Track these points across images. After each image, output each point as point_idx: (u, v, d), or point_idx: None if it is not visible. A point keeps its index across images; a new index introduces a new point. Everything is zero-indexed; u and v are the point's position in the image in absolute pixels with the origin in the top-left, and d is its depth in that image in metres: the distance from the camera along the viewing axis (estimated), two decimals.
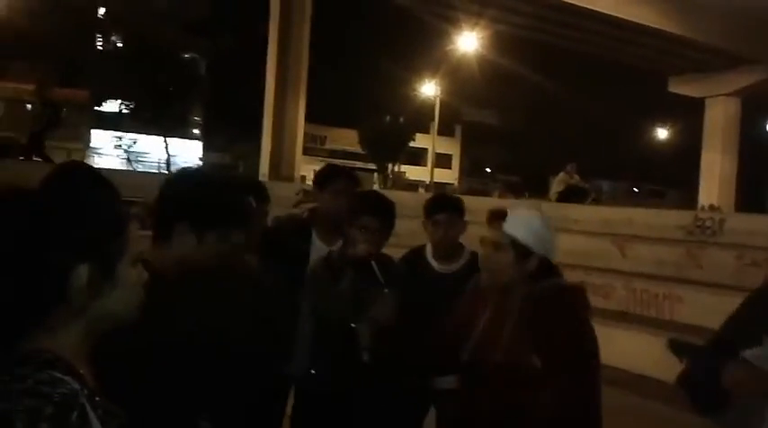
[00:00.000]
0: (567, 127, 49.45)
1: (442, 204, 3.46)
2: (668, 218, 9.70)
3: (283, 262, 2.98)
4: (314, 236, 3.29)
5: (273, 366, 2.86)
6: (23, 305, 1.08)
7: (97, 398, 1.10)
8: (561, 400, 2.07)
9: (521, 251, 2.21)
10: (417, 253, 3.54)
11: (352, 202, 2.97)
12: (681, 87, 32.90)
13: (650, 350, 6.44)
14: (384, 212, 2.85)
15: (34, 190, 1.17)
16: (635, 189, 53.98)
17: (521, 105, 47.47)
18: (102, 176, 2.20)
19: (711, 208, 19.28)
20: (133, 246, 1.23)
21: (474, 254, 3.46)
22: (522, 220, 2.26)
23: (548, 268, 2.28)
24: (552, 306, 2.19)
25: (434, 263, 3.44)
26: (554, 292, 2.24)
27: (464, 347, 2.30)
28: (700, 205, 25.16)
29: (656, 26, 25.93)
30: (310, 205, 3.45)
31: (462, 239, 3.50)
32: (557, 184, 14.98)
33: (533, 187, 28.48)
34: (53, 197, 1.15)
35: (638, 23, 25.67)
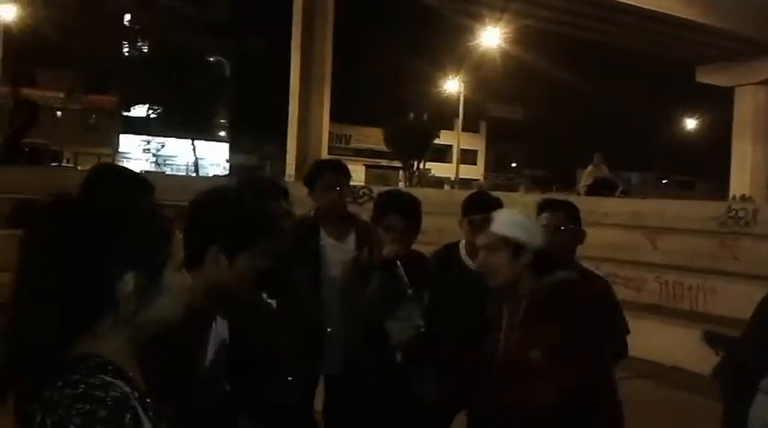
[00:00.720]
0: (594, 120, 48.90)
1: (480, 203, 3.41)
2: (700, 210, 9.55)
3: (297, 263, 2.98)
4: (323, 233, 3.30)
5: (304, 367, 2.88)
6: (72, 311, 1.10)
7: (148, 400, 1.12)
8: (562, 390, 2.09)
9: (512, 247, 2.29)
10: (450, 250, 3.51)
11: (378, 202, 2.97)
12: (709, 77, 32.39)
13: (684, 342, 6.37)
14: (409, 210, 2.81)
15: (79, 196, 1.20)
16: (663, 180, 53.21)
17: (546, 99, 47.08)
18: (144, 180, 2.18)
19: (743, 198, 18.95)
20: (177, 251, 1.24)
21: None
22: (506, 218, 2.36)
23: (549, 259, 2.34)
24: (551, 299, 2.23)
25: (469, 262, 3.42)
26: (554, 286, 2.29)
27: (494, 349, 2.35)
28: (731, 195, 24.75)
29: (683, 16, 25.55)
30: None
31: None
32: (585, 177, 14.84)
33: (560, 181, 28.21)
34: (100, 204, 1.17)
35: (664, 13, 25.31)
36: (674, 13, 25.43)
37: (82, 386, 1.04)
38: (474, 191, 4.60)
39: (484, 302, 2.60)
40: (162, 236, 1.19)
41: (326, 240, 3.28)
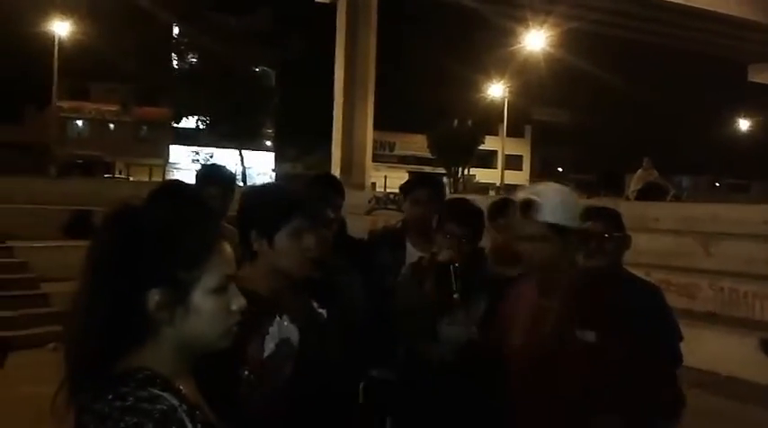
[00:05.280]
0: (642, 122, 48.06)
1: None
2: (755, 214, 9.29)
3: (380, 272, 3.07)
4: (408, 244, 3.36)
5: (364, 372, 2.92)
6: (108, 324, 1.13)
7: (197, 412, 1.14)
8: (618, 371, 2.03)
9: (559, 233, 2.13)
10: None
11: (441, 209, 3.03)
12: (762, 76, 31.53)
13: (740, 351, 6.20)
14: (468, 218, 2.88)
15: (136, 209, 1.23)
16: (716, 183, 51.91)
17: (592, 102, 46.45)
18: (195, 200, 2.23)
19: None
20: (227, 268, 1.24)
21: None
22: (550, 203, 2.15)
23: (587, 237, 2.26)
24: (597, 281, 2.17)
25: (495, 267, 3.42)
26: (597, 270, 2.25)
27: (518, 333, 2.25)
28: None
29: (734, 13, 24.94)
30: (382, 212, 3.53)
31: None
32: (635, 182, 14.58)
33: (608, 185, 27.76)
34: (144, 219, 1.19)
35: (714, 11, 24.76)
36: (724, 11, 24.85)
37: (131, 398, 1.07)
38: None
39: None
40: (192, 260, 1.18)
41: (411, 250, 3.33)
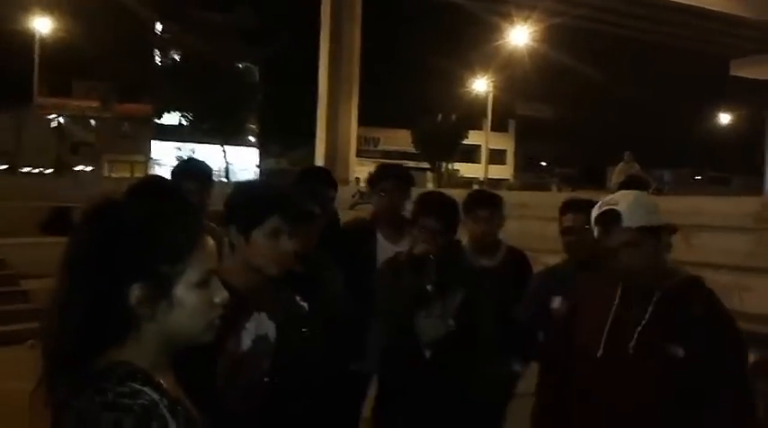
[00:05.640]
0: (624, 117, 48.41)
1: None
2: (736, 206, 9.38)
3: (351, 263, 3.05)
4: (379, 235, 3.38)
5: (343, 365, 2.92)
6: (93, 320, 1.11)
7: (179, 407, 1.12)
8: (703, 389, 1.99)
9: (654, 234, 2.11)
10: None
11: (415, 203, 3.01)
12: (743, 70, 31.81)
13: None
14: (443, 212, 2.83)
15: (118, 204, 1.21)
16: (697, 177, 52.38)
17: (575, 97, 46.70)
18: (176, 194, 2.24)
19: None
20: (210, 262, 1.24)
21: (512, 249, 3.48)
22: (633, 205, 2.10)
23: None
24: (689, 295, 2.09)
25: (473, 258, 3.40)
26: (690, 281, 2.15)
27: (594, 340, 2.17)
28: (767, 190, 24.27)
29: (716, 8, 25.15)
30: (366, 206, 3.56)
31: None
32: (616, 175, 14.68)
33: (591, 179, 27.98)
34: (113, 218, 1.16)
35: (696, 6, 24.95)
36: (706, 6, 25.04)
37: (110, 394, 1.05)
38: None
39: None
40: (175, 255, 1.16)
41: (382, 242, 3.37)
